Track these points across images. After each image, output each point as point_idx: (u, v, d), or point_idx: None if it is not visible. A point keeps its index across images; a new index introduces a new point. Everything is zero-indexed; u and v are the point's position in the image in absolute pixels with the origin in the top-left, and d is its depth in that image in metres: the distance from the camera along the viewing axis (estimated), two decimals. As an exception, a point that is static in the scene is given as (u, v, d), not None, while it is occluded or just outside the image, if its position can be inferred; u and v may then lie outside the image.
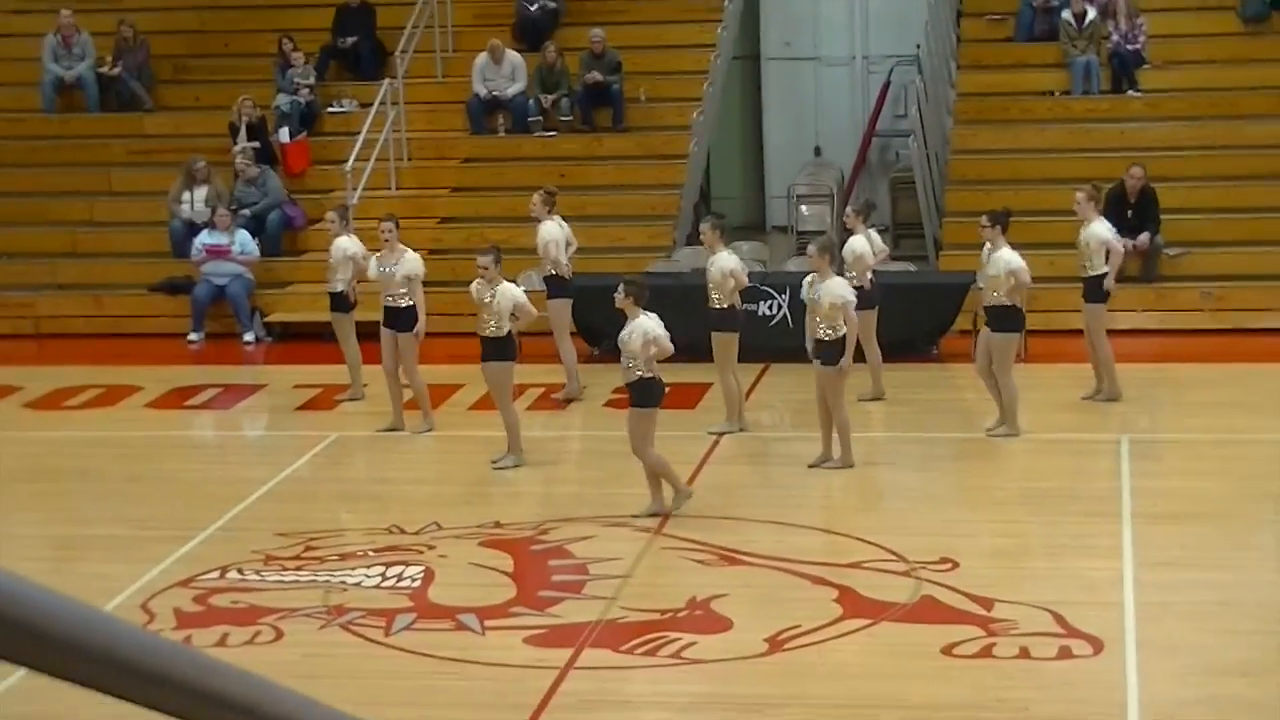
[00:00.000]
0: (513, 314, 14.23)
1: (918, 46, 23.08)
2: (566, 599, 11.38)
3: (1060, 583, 11.43)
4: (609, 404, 16.03)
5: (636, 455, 12.92)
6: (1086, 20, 22.21)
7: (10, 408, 17.33)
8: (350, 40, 23.33)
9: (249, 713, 1.98)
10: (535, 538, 12.70)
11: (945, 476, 14.55)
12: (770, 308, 17.83)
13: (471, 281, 14.55)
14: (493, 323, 14.20)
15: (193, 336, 20.35)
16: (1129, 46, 22.05)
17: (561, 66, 22.53)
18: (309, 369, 18.35)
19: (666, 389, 13.04)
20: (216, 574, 12.01)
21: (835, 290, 13.80)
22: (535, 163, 21.81)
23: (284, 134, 22.11)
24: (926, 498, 13.85)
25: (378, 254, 15.86)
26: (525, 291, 14.82)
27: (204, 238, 20.64)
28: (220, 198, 21.14)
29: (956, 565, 11.72)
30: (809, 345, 14.04)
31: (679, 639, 10.60)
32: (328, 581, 11.82)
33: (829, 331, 13.79)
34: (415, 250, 16.09)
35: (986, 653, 10.26)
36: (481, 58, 22.50)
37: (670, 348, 12.82)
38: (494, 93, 22.42)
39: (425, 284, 15.79)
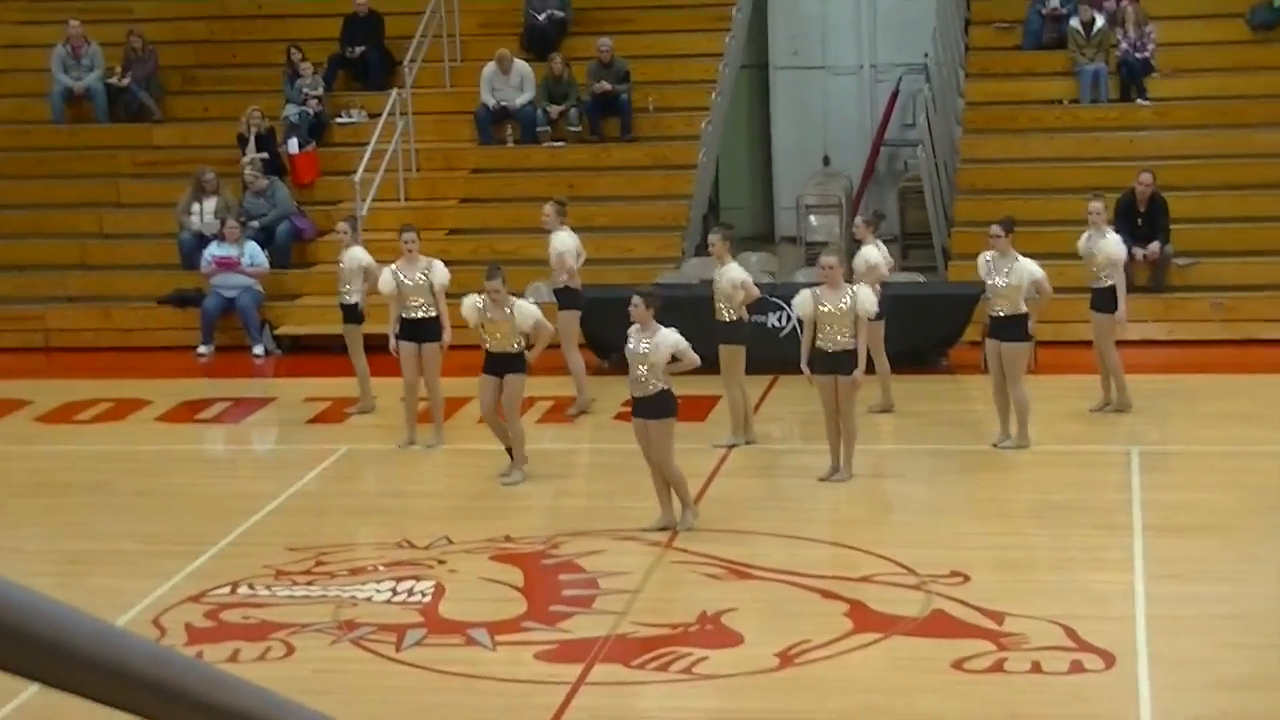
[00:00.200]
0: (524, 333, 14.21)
1: (926, 55, 23.02)
2: (577, 614, 11.38)
3: (1071, 596, 11.42)
4: (618, 417, 16.00)
5: (660, 468, 12.85)
6: (1095, 28, 22.20)
7: (20, 421, 17.34)
8: (358, 50, 23.33)
9: None
10: (546, 552, 12.70)
11: (955, 489, 14.53)
12: (779, 319, 17.76)
13: (467, 295, 14.47)
14: (515, 341, 14.16)
15: (202, 349, 20.30)
16: (1138, 55, 22.02)
17: (569, 76, 22.52)
18: (319, 382, 18.36)
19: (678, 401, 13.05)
20: (228, 589, 12.02)
21: (863, 301, 13.80)
22: (543, 173, 21.80)
23: (293, 145, 22.09)
24: (936, 510, 13.84)
25: (394, 265, 15.83)
26: (535, 304, 14.82)
27: (213, 249, 20.61)
28: (229, 209, 21.09)
29: (967, 578, 11.71)
30: (807, 360, 13.96)
31: (690, 654, 10.60)
32: (338, 596, 11.83)
33: (851, 340, 13.77)
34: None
35: (998, 667, 10.25)
36: (489, 67, 22.47)
37: (697, 359, 12.82)
38: (502, 103, 22.39)
39: (435, 295, 15.82)
